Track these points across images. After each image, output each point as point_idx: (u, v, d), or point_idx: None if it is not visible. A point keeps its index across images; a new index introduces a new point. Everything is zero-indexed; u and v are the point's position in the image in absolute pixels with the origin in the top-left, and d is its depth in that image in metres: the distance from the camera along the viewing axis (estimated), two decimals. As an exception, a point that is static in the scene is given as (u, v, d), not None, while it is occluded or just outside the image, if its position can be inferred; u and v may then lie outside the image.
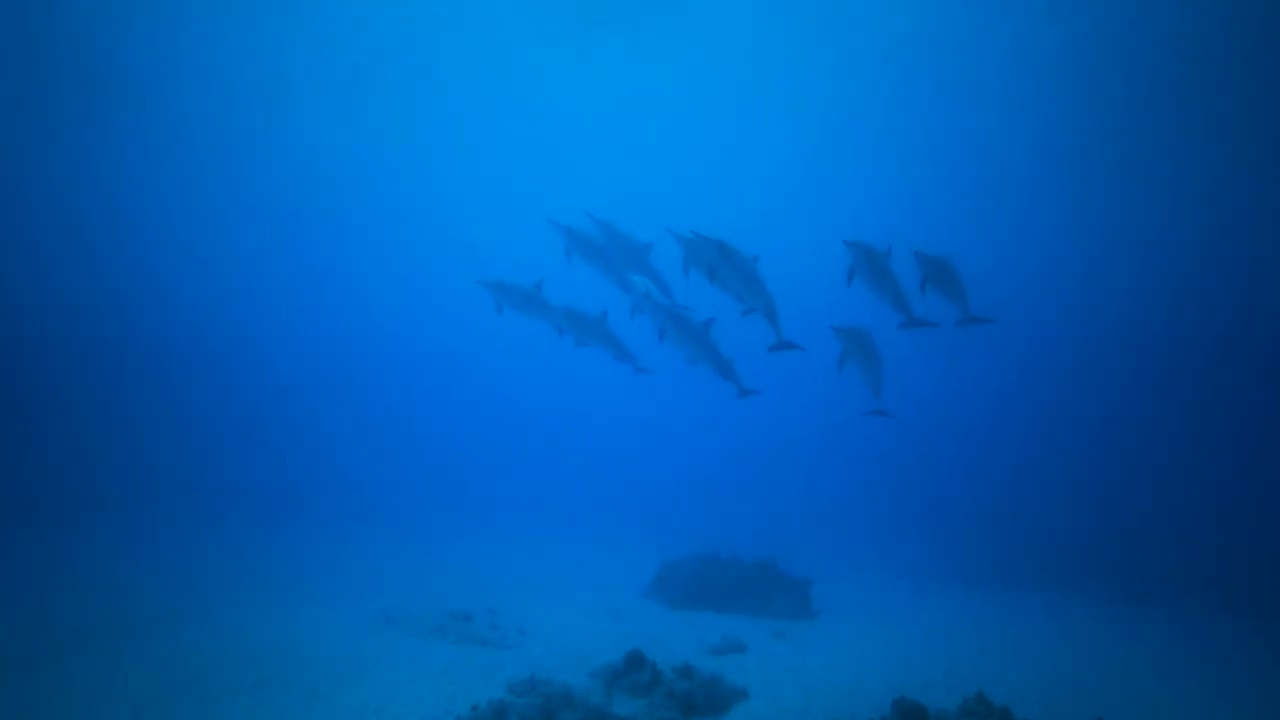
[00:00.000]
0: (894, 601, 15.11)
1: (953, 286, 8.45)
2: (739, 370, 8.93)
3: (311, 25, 25.14)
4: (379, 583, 14.01)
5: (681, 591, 13.65)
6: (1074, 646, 12.07)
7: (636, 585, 14.73)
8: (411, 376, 40.49)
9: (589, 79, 28.81)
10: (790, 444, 35.97)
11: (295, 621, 10.91)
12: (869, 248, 7.97)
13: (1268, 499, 21.53)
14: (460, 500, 25.96)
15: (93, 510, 19.53)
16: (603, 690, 8.11)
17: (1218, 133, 24.03)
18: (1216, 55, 21.65)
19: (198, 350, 35.65)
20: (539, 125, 31.74)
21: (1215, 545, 18.75)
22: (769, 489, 29.69)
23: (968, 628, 13.03)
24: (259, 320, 39.21)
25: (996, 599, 15.89)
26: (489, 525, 22.62)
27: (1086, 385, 36.54)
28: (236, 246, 36.46)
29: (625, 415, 36.95)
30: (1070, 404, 35.95)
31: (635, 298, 8.70)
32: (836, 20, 24.54)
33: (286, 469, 25.83)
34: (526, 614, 12.07)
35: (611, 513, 25.47)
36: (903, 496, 28.35)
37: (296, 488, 23.87)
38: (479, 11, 25.36)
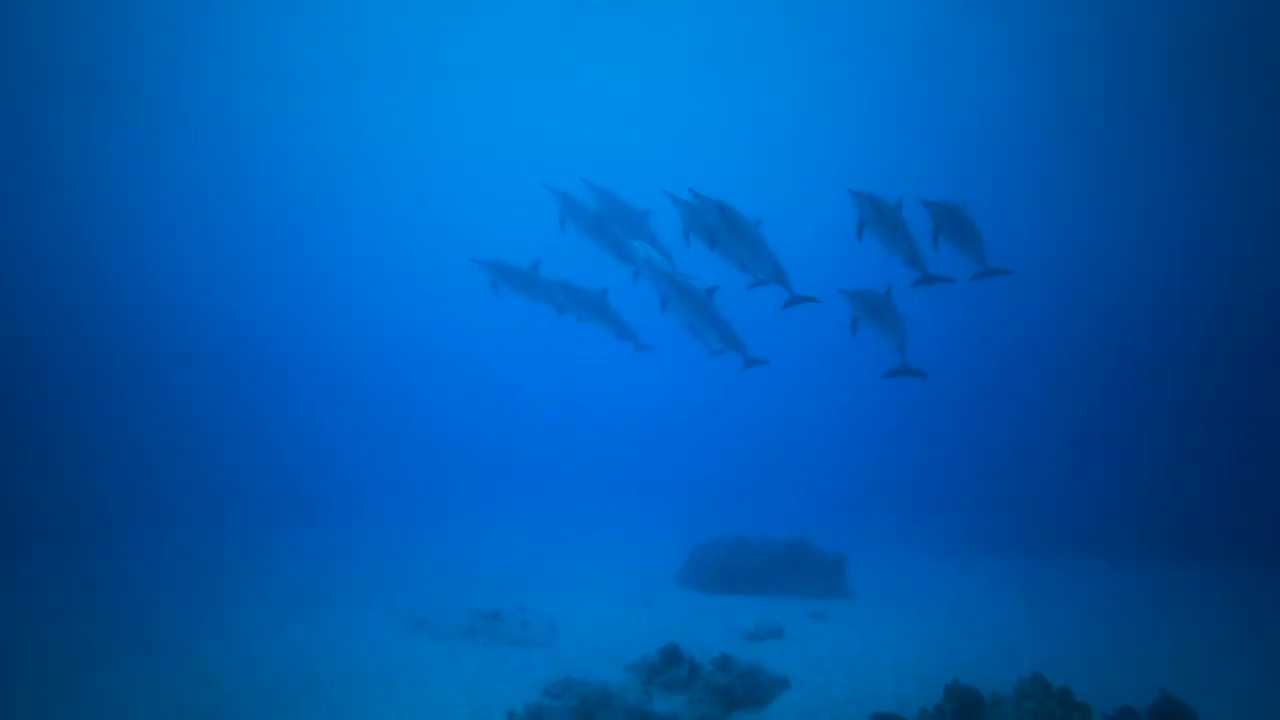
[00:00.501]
0: (925, 574, 14.80)
1: (968, 237, 7.95)
2: (745, 342, 8.53)
3: (308, 23, 24.77)
4: (405, 583, 13.82)
5: (713, 576, 13.41)
6: (1115, 613, 11.73)
7: (666, 571, 14.45)
8: (421, 370, 40.24)
9: (586, 70, 28.36)
10: (804, 419, 35.55)
11: (321, 630, 10.71)
12: (877, 199, 7.52)
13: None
14: (480, 494, 25.74)
15: (100, 524, 19.23)
16: (640, 687, 7.81)
17: (1230, 113, 23.44)
18: (1209, 52, 21.08)
19: (199, 353, 35.26)
20: (537, 119, 31.32)
21: (1236, 501, 18.21)
22: (786, 466, 29.32)
23: (1005, 598, 12.70)
24: (261, 319, 38.87)
25: (1027, 566, 15.54)
26: (510, 518, 22.38)
27: (1103, 346, 35.89)
28: (237, 247, 36.14)
29: (638, 400, 36.64)
30: (1086, 365, 35.30)
31: (636, 264, 8.31)
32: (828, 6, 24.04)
33: (295, 470, 25.54)
34: (557, 608, 11.82)
35: (632, 498, 25.19)
36: (920, 466, 27.92)
37: (307, 489, 23.47)
38: (476, 4, 24.93)
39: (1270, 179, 25.89)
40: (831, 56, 26.13)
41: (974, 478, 24.58)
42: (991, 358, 37.02)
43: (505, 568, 15.33)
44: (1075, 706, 5.79)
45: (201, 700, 8.07)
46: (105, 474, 22.99)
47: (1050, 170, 29.47)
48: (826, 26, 24.67)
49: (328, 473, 25.51)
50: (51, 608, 11.83)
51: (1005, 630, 10.54)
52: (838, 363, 30.98)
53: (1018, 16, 22.50)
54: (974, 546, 17.57)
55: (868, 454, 30.33)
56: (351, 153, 32.40)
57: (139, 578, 14.12)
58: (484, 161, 33.96)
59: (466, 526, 21.02)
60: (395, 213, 37.22)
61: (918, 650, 9.58)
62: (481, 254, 8.58)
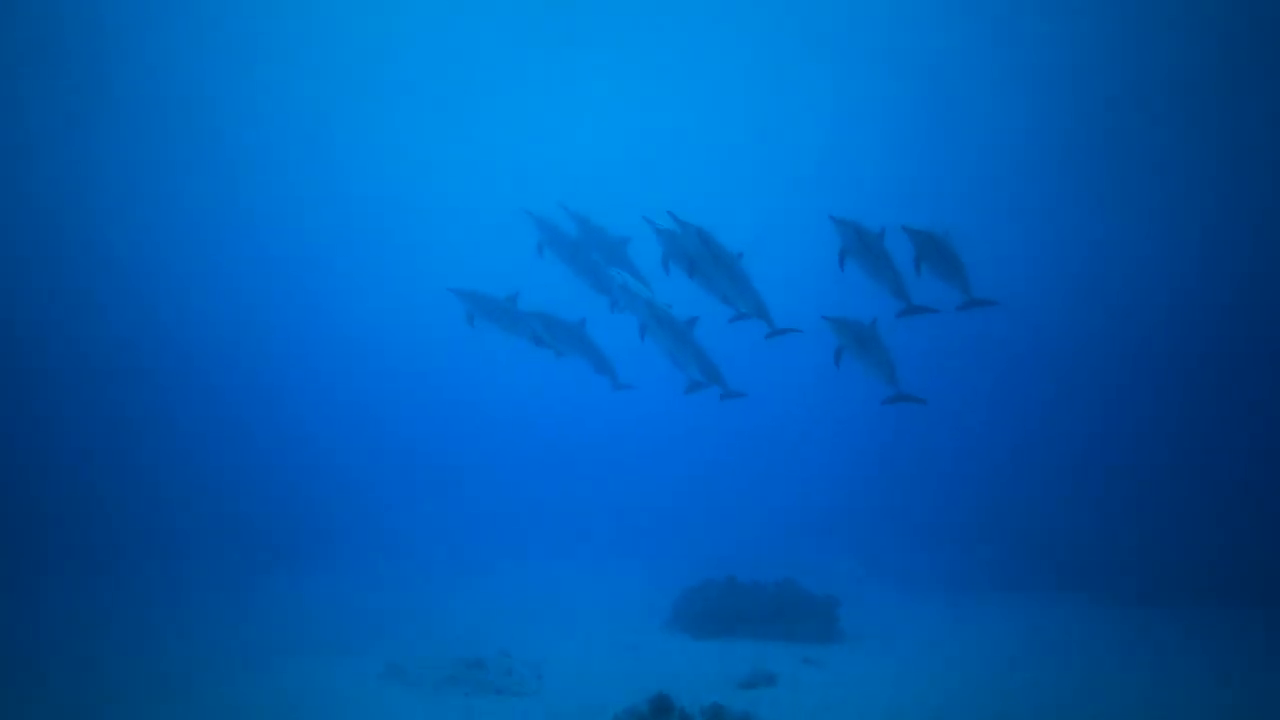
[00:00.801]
0: (918, 614, 14.49)
1: (951, 266, 7.80)
2: (725, 373, 8.36)
3: (287, 42, 24.81)
4: (380, 627, 13.32)
5: (703, 619, 13.09)
6: (1131, 662, 11.34)
7: (654, 612, 14.06)
8: (395, 403, 38.99)
9: (565, 96, 28.55)
10: (795, 449, 35.10)
11: (286, 681, 10.23)
12: (859, 226, 7.40)
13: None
14: (458, 530, 24.85)
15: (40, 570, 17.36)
16: (627, 739, 7.43)
17: (1227, 127, 23.53)
18: (1220, 61, 21.25)
19: (154, 397, 33.86)
20: (518, 141, 31.28)
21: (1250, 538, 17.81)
22: (777, 498, 28.83)
23: (1007, 641, 12.37)
24: (214, 352, 37.46)
25: (1025, 605, 15.20)
26: (491, 554, 21.51)
27: (1088, 381, 35.87)
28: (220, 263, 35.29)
29: (620, 429, 35.89)
30: (1072, 400, 35.21)
31: (613, 291, 8.18)
32: (808, 30, 24.24)
33: (259, 508, 24.25)
34: (542, 654, 11.40)
35: (619, 531, 24.62)
36: (910, 498, 27.49)
37: (272, 527, 22.04)
38: (455, 28, 25.04)
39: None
40: (848, 79, 26.15)
41: (972, 509, 24.18)
42: (990, 383, 36.93)
43: (486, 609, 14.88)
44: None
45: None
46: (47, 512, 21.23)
47: (1061, 186, 29.36)
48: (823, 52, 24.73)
49: (296, 510, 24.37)
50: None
51: (1012, 678, 10.18)
52: (828, 391, 30.59)
53: (1027, 35, 22.46)
54: (972, 584, 17.21)
55: (859, 485, 29.93)
56: (323, 180, 32.17)
57: (83, 632, 13.08)
58: (457, 188, 33.68)
59: (445, 564, 20.25)
60: (378, 227, 36.63)
61: (917, 702, 9.26)
62: (457, 283, 8.39)
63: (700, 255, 7.41)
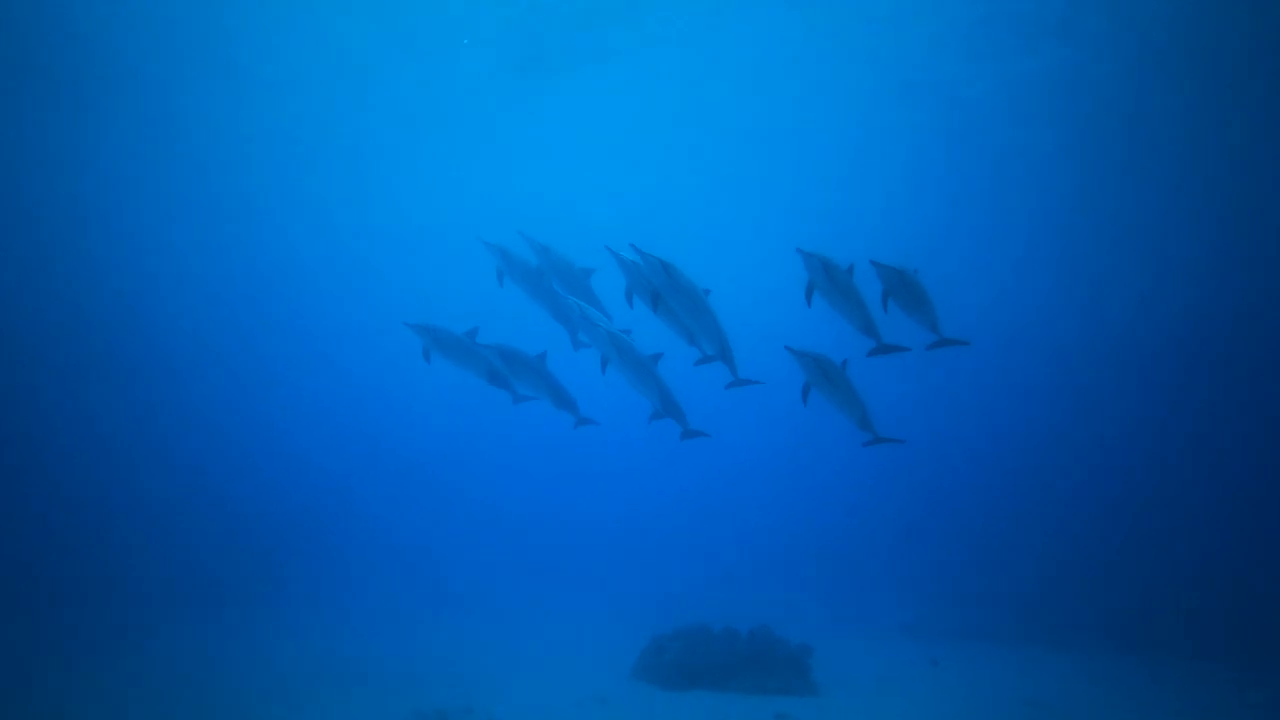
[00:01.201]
0: (890, 662, 14.18)
1: (919, 304, 7.61)
2: (694, 407, 8.11)
3: (257, 75, 24.57)
4: (335, 679, 12.64)
5: (673, 670, 12.59)
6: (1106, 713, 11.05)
7: (623, 661, 13.55)
8: (351, 439, 37.54)
9: (531, 125, 28.46)
10: (761, 489, 34.62)
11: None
12: (827, 261, 7.22)
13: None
14: (418, 573, 23.86)
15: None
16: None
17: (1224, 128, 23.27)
18: (1230, 76, 21.26)
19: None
20: (483, 173, 31.06)
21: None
22: (750, 540, 28.36)
23: (982, 694, 12.01)
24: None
25: (995, 655, 14.86)
26: (451, 598, 20.76)
27: (1058, 433, 35.89)
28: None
29: (590, 469, 35.06)
30: (1041, 451, 35.18)
31: (573, 320, 7.93)
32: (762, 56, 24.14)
33: (203, 548, 22.75)
34: (506, 707, 10.95)
35: (587, 573, 24.03)
36: (878, 543, 27.18)
37: (216, 569, 20.79)
38: (422, 58, 24.96)
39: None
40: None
41: (941, 558, 23.89)
42: (961, 431, 36.76)
43: (448, 657, 14.29)
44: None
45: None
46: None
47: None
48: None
49: (242, 551, 23.05)
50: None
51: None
52: (801, 429, 30.18)
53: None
54: (940, 632, 16.90)
55: (829, 528, 29.54)
56: (303, 210, 31.83)
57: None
58: (426, 210, 33.32)
59: (405, 610, 19.43)
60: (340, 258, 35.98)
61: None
62: (415, 318, 8.09)
63: (664, 288, 7.22)
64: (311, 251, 35.28)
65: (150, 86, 24.00)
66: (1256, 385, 31.07)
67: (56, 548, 21.49)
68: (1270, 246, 26.73)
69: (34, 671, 12.49)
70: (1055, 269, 32.71)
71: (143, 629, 16.05)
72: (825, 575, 23.75)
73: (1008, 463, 34.76)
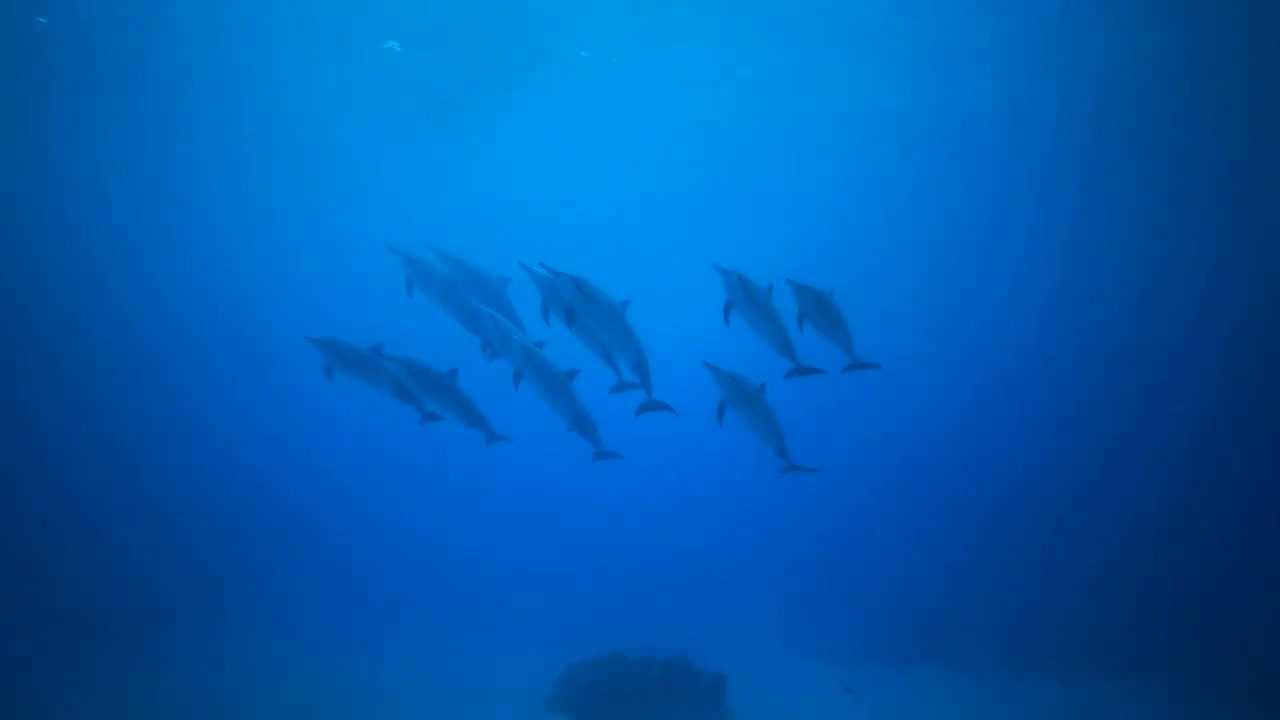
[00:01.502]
0: (811, 691, 14.01)
1: (834, 326, 7.63)
2: (611, 423, 7.90)
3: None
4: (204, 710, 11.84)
5: (587, 702, 12.22)
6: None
7: (535, 693, 13.03)
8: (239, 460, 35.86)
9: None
10: (687, 511, 34.45)
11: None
12: (745, 279, 7.11)
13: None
14: (331, 591, 22.52)
15: None
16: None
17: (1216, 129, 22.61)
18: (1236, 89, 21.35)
19: None
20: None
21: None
22: (669, 559, 28.07)
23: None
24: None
25: (926, 681, 14.89)
26: (370, 617, 19.68)
27: (979, 453, 36.79)
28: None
29: (500, 484, 34.11)
30: (960, 471, 35.98)
31: (485, 331, 7.63)
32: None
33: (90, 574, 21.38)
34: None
35: (508, 595, 23.31)
36: (797, 566, 27.21)
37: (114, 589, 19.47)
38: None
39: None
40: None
41: (858, 580, 23.99)
42: (886, 450, 37.28)
43: (360, 689, 13.53)
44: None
45: None
46: None
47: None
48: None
49: (143, 572, 21.50)
50: None
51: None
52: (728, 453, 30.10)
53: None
54: (859, 656, 16.78)
55: (759, 551, 29.48)
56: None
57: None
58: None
59: (320, 635, 18.05)
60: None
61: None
62: (317, 331, 7.61)
63: (578, 305, 7.00)
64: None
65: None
66: (1150, 397, 32.54)
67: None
68: (1251, 254, 27.28)
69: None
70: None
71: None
72: (749, 598, 23.62)
73: (926, 484, 35.35)
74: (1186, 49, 18.58)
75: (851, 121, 24.12)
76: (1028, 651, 16.04)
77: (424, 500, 33.60)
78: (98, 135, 24.56)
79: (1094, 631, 16.85)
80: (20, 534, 23.01)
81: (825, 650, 17.57)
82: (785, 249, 27.95)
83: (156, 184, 27.94)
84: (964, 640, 16.95)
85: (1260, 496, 26.65)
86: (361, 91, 23.07)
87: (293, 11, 19.96)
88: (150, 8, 19.42)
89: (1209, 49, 18.54)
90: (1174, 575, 21.49)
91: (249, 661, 15.50)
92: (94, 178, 27.03)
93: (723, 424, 7.47)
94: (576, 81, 22.96)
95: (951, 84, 21.59)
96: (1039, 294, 33.36)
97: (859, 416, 35.06)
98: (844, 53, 20.64)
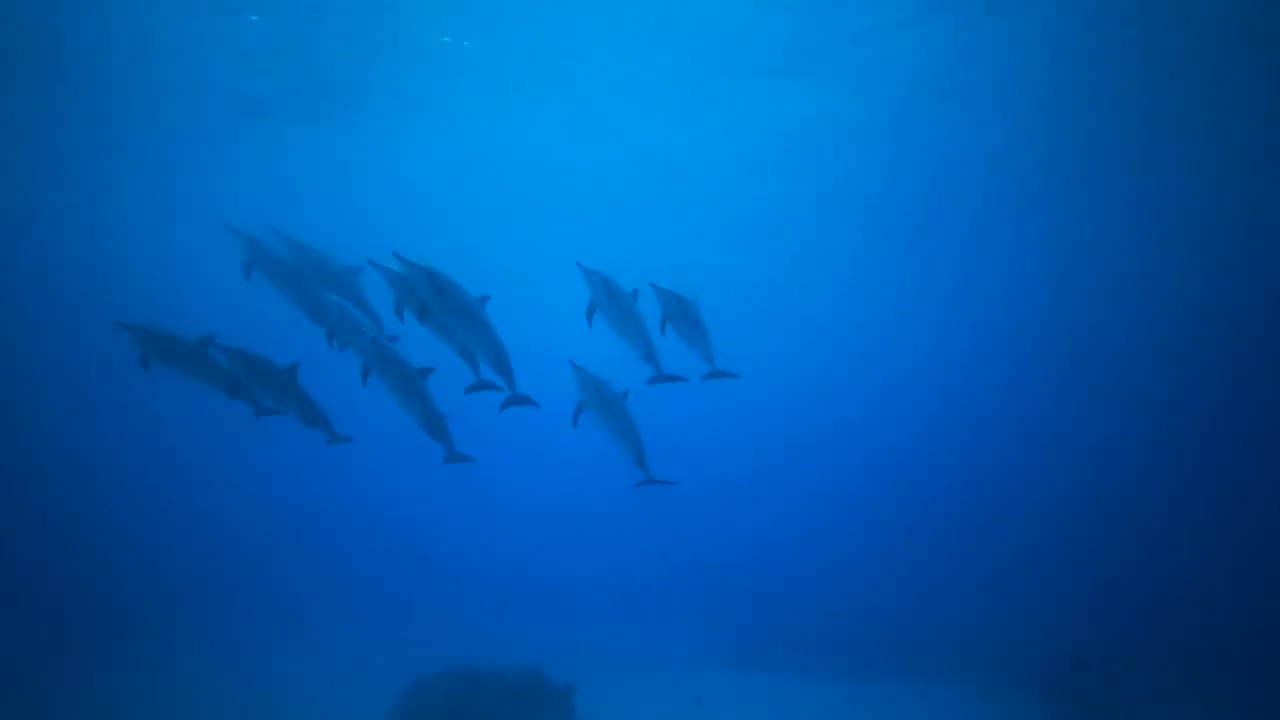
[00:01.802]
0: (664, 700, 14.11)
1: (696, 332, 7.63)
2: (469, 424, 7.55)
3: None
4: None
5: (434, 716, 11.72)
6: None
7: (374, 713, 12.40)
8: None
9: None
10: (538, 522, 34.01)
11: None
12: (609, 281, 6.96)
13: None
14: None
15: None
16: None
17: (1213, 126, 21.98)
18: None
19: None
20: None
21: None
22: (522, 570, 27.63)
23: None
24: None
25: (780, 688, 15.17)
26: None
27: (836, 453, 37.96)
28: None
29: (343, 482, 32.38)
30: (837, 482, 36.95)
31: (332, 321, 7.10)
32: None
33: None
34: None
35: (362, 603, 22.25)
36: (656, 573, 27.41)
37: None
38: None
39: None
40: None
41: (734, 588, 24.26)
42: (753, 459, 37.90)
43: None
44: None
45: None
46: None
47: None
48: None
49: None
50: None
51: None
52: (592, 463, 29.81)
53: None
54: (726, 664, 17.06)
55: (618, 560, 29.40)
56: None
57: None
58: None
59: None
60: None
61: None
62: (130, 317, 6.78)
63: (432, 300, 6.61)
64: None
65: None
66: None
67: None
68: (1251, 254, 27.10)
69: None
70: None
71: None
72: (606, 608, 23.51)
73: (799, 490, 36.20)
74: (1185, 46, 18.28)
75: (823, 124, 22.14)
76: (864, 656, 16.66)
77: (245, 498, 31.57)
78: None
79: (916, 635, 17.68)
80: (20, 534, 23.62)
81: (675, 660, 17.69)
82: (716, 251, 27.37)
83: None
84: (810, 648, 17.43)
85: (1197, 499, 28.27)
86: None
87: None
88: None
89: (1207, 46, 18.26)
90: (993, 575, 22.93)
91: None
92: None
93: (577, 427, 7.28)
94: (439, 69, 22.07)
95: (952, 84, 20.50)
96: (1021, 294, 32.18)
97: (720, 425, 35.60)
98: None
